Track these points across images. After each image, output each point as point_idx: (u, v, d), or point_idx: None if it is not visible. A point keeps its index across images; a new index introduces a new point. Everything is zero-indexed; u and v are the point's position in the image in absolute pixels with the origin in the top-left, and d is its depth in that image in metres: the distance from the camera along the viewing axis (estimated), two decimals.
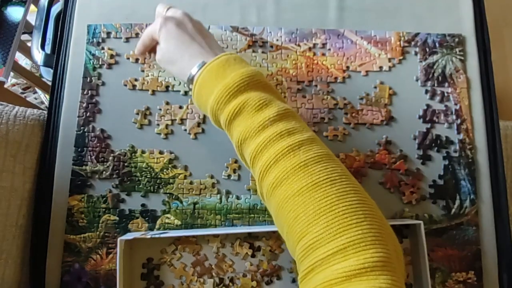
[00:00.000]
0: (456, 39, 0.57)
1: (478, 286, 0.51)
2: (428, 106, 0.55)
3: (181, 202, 0.52)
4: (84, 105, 0.54)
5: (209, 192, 0.53)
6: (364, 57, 0.57)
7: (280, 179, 0.35)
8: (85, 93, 0.55)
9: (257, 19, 0.58)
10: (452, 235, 0.52)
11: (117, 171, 0.53)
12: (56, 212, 0.52)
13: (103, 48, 0.56)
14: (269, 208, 0.39)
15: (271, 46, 0.57)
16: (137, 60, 0.56)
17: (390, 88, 0.56)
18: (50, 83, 0.56)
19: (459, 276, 0.51)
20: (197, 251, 0.51)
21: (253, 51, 0.57)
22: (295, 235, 0.33)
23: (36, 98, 1.24)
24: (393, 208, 0.53)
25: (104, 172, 0.53)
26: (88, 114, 0.54)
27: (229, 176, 0.53)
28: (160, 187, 0.53)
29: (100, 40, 0.57)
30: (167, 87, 0.55)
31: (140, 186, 0.53)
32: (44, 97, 1.22)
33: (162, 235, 0.48)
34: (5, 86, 0.85)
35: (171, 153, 0.53)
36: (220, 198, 0.53)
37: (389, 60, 0.57)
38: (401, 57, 0.57)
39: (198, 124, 0.54)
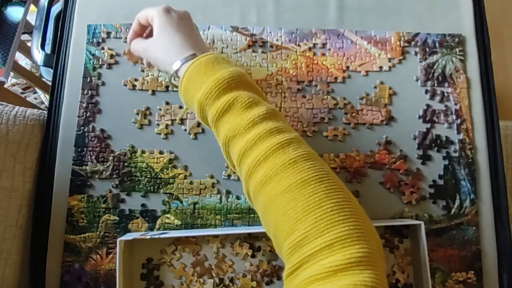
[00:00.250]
0: (456, 39, 0.57)
1: (478, 286, 0.51)
2: (428, 106, 0.55)
3: (181, 202, 0.52)
4: (84, 105, 0.54)
5: (209, 192, 0.53)
6: (364, 57, 0.57)
7: (269, 176, 0.35)
8: (85, 93, 0.55)
9: (257, 19, 0.58)
10: (452, 235, 0.52)
11: (117, 171, 0.53)
12: (56, 212, 0.52)
13: (103, 48, 0.56)
14: (255, 206, 0.39)
15: (271, 46, 0.57)
16: (137, 60, 0.56)
17: (390, 88, 0.56)
18: (50, 83, 0.56)
19: (459, 276, 0.51)
20: (197, 251, 0.51)
21: (253, 51, 0.57)
22: (283, 232, 0.34)
23: (36, 98, 1.24)
24: (393, 208, 0.53)
25: (104, 172, 0.53)
26: (88, 114, 0.54)
27: (229, 176, 0.53)
28: (160, 187, 0.53)
29: (100, 40, 0.57)
30: (167, 87, 0.55)
31: (140, 186, 0.53)
32: (44, 97, 1.22)
33: (162, 236, 0.48)
34: (5, 86, 0.85)
35: (171, 153, 0.53)
36: (220, 198, 0.53)
37: (389, 60, 0.57)
38: (401, 57, 0.57)
39: (198, 124, 0.54)
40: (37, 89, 1.21)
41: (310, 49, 0.57)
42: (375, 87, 0.56)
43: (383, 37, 0.57)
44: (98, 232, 0.51)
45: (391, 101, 0.56)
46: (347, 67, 0.56)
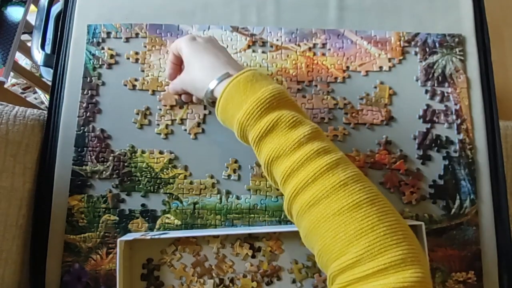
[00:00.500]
0: (456, 39, 0.57)
1: (478, 286, 0.51)
2: (428, 106, 0.55)
3: (181, 202, 0.52)
4: (84, 105, 0.54)
5: (209, 192, 0.53)
6: (364, 57, 0.57)
7: (319, 198, 0.35)
8: (85, 93, 0.55)
9: (257, 19, 0.58)
10: (452, 235, 0.52)
11: (117, 171, 0.53)
12: (56, 212, 0.51)
13: (103, 48, 0.56)
14: (298, 225, 0.38)
15: (271, 46, 0.57)
16: (137, 60, 0.56)
17: (390, 88, 0.56)
18: (50, 83, 0.56)
19: (459, 276, 0.51)
20: (197, 251, 0.51)
21: (253, 51, 0.57)
22: (331, 253, 0.34)
23: (36, 98, 1.24)
24: None
25: (104, 172, 0.53)
26: (88, 114, 0.54)
27: (229, 176, 0.53)
28: (160, 187, 0.53)
29: (100, 40, 0.57)
30: (167, 87, 0.55)
31: (140, 186, 0.53)
32: (44, 97, 1.22)
33: (162, 236, 0.48)
34: (5, 86, 0.85)
35: (171, 153, 0.53)
36: (220, 198, 0.53)
37: (389, 60, 0.57)
38: (401, 57, 0.57)
39: (198, 124, 0.54)
40: (37, 89, 1.21)
41: (310, 49, 0.57)
42: (375, 87, 0.56)
43: (383, 37, 0.57)
44: (98, 232, 0.51)
45: (391, 101, 0.56)
46: (347, 67, 0.56)
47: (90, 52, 0.56)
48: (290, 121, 0.38)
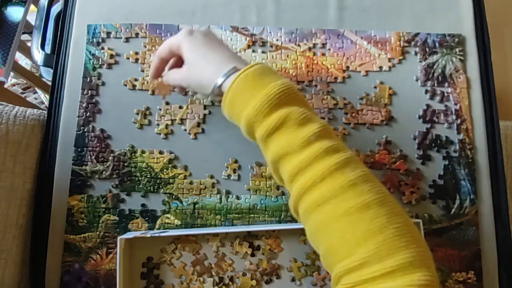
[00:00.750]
0: (456, 39, 0.57)
1: (478, 286, 0.51)
2: (428, 106, 0.55)
3: (181, 202, 0.52)
4: (84, 105, 0.54)
5: (209, 192, 0.53)
6: (364, 57, 0.57)
7: (327, 197, 0.34)
8: (85, 93, 0.55)
9: (257, 19, 0.58)
10: (452, 235, 0.52)
11: (117, 171, 0.53)
12: (56, 212, 0.52)
13: (103, 48, 0.56)
14: (304, 223, 0.38)
15: (271, 46, 0.57)
16: (137, 60, 0.56)
17: (390, 88, 0.56)
18: (50, 83, 0.56)
19: (459, 276, 0.51)
20: (197, 250, 0.51)
21: (253, 51, 0.57)
22: (338, 253, 0.33)
23: (36, 98, 1.24)
24: None
25: (104, 172, 0.53)
26: (88, 114, 0.54)
27: (229, 176, 0.53)
28: (160, 187, 0.53)
29: (100, 40, 0.57)
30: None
31: (140, 186, 0.53)
32: (44, 97, 1.22)
33: (162, 234, 0.48)
34: (5, 86, 0.85)
35: (171, 153, 0.53)
36: (220, 198, 0.53)
37: (389, 60, 0.57)
38: (401, 57, 0.57)
39: (198, 124, 0.54)
40: (37, 89, 1.21)
41: (310, 49, 0.57)
42: (375, 87, 0.56)
43: (383, 37, 0.57)
44: (98, 232, 0.51)
45: (391, 101, 0.56)
46: (347, 67, 0.56)
47: (90, 52, 0.56)
48: (299, 118, 0.37)
